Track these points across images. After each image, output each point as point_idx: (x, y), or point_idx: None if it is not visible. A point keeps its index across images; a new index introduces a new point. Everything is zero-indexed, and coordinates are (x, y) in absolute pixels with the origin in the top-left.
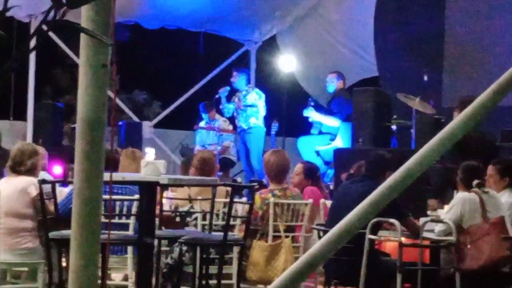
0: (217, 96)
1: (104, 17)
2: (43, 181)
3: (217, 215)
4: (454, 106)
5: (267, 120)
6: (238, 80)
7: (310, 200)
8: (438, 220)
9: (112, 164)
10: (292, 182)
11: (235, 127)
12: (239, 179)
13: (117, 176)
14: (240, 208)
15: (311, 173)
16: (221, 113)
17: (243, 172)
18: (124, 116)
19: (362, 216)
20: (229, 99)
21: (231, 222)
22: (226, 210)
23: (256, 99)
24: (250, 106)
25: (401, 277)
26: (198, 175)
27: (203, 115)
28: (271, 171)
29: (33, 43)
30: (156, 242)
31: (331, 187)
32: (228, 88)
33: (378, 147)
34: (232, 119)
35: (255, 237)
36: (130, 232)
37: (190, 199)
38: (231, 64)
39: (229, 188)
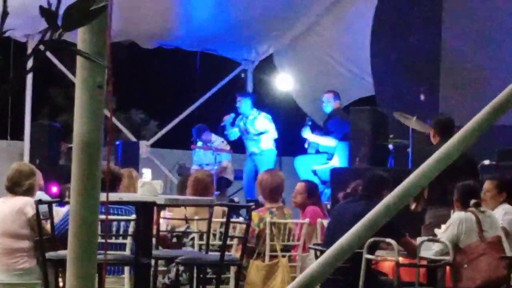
0: (222, 124)
1: (100, 38)
2: (39, 201)
3: (214, 235)
4: (431, 126)
5: None
6: (244, 105)
7: (307, 220)
8: (435, 240)
9: (116, 182)
10: (295, 201)
11: (234, 147)
12: (236, 199)
13: (114, 196)
14: (238, 228)
15: (313, 192)
16: (225, 137)
17: (240, 192)
18: (121, 135)
19: (359, 235)
20: (233, 123)
21: (228, 242)
22: (223, 230)
23: (266, 123)
24: (263, 133)
25: None
26: (193, 195)
27: (198, 140)
28: (266, 191)
29: (30, 63)
30: (153, 262)
31: (328, 206)
32: (233, 115)
33: (375, 167)
34: (234, 141)
35: (252, 257)
36: (127, 252)
37: (187, 219)
38: (228, 83)
39: (225, 208)
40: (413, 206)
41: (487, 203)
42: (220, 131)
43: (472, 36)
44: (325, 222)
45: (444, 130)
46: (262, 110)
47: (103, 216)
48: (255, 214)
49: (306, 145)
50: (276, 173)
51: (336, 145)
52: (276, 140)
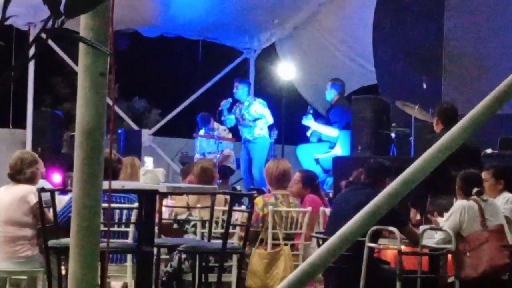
0: (220, 108)
1: (103, 25)
2: (42, 189)
3: (216, 223)
4: (434, 113)
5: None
6: (240, 91)
7: (309, 208)
8: (437, 228)
9: (112, 173)
10: (291, 191)
11: (235, 135)
12: (238, 187)
13: (117, 184)
14: (240, 216)
15: (309, 181)
16: (221, 123)
17: (242, 180)
18: (124, 124)
19: (361, 224)
20: (230, 110)
21: (231, 230)
22: (225, 218)
23: (261, 109)
24: (258, 118)
25: (400, 285)
26: (197, 183)
27: (203, 127)
28: (273, 178)
29: (32, 51)
30: (155, 250)
31: (330, 195)
32: (230, 100)
33: (377, 155)
34: (233, 129)
35: (254, 245)
36: (130, 240)
37: (189, 207)
38: (230, 72)
39: (228, 196)
40: (417, 218)
41: (487, 193)
42: (218, 117)
43: (474, 24)
44: (327, 210)
45: (447, 118)
46: (264, 99)
47: (105, 204)
48: (259, 199)
49: (308, 134)
50: (282, 161)
51: (337, 135)
52: (278, 129)
